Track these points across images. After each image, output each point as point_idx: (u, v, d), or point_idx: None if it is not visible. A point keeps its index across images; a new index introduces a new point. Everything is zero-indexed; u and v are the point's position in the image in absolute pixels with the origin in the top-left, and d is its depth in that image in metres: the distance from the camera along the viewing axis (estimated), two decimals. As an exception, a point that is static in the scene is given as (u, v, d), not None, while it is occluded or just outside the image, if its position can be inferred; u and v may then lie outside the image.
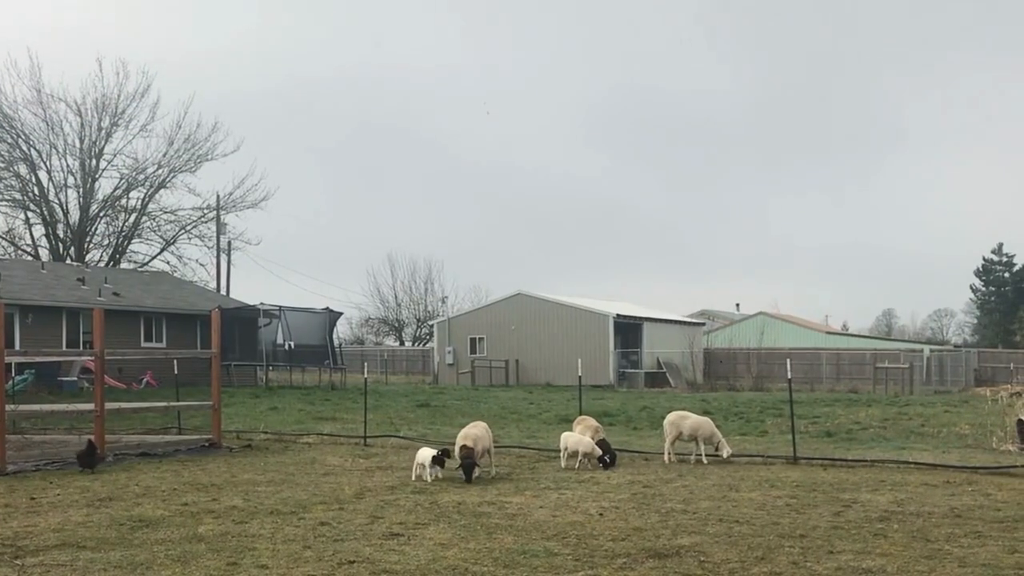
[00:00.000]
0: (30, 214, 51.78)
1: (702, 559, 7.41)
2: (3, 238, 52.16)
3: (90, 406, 15.49)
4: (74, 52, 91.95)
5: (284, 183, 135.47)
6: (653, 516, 9.29)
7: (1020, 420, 15.58)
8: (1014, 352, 56.23)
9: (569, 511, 9.59)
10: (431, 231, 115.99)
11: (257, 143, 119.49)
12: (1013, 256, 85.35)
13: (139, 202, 53.21)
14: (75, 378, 31.72)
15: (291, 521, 9.11)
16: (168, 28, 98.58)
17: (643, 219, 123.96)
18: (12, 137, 49.36)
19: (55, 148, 50.47)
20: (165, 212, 54.20)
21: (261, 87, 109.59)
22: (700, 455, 13.72)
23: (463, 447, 11.85)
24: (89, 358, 23.43)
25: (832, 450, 15.23)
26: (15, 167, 50.12)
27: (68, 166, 51.00)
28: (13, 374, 27.26)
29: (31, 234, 52.75)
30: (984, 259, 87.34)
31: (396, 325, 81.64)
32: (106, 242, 53.81)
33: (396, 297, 79.88)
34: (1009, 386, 31.26)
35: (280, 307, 39.26)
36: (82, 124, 50.61)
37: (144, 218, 53.66)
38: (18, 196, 50.89)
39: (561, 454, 13.36)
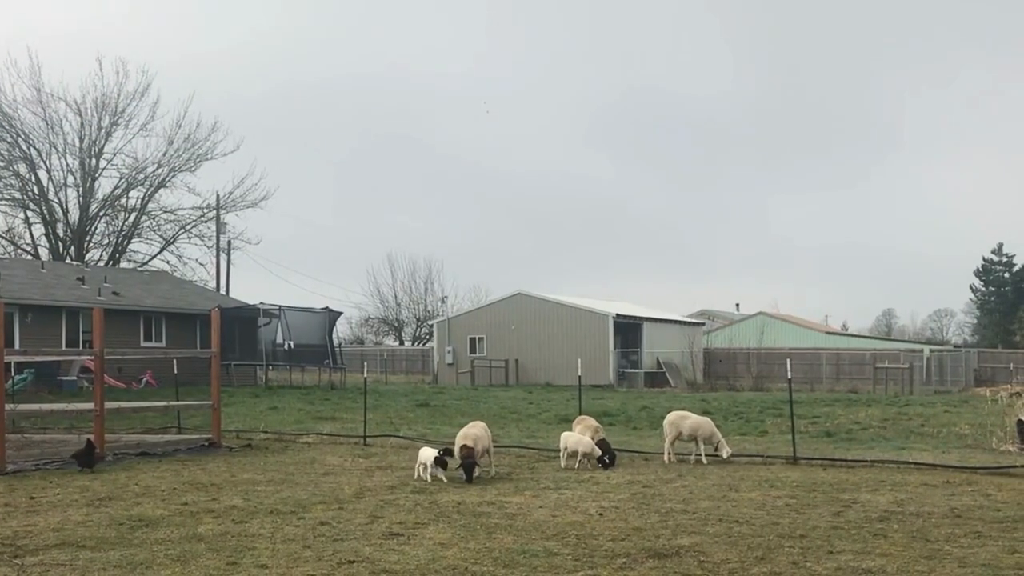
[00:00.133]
0: (30, 213, 51.84)
1: (702, 559, 7.40)
2: (3, 237, 52.23)
3: (90, 405, 15.49)
4: (74, 51, 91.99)
5: (284, 182, 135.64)
6: (653, 516, 9.29)
7: (1020, 420, 15.58)
8: (1014, 352, 56.23)
9: (569, 511, 9.58)
10: (431, 231, 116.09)
11: (257, 142, 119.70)
12: (1013, 256, 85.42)
13: (139, 201, 53.29)
14: (75, 377, 31.72)
15: (291, 521, 9.11)
16: (168, 29, 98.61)
17: (643, 219, 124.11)
18: (12, 136, 49.37)
19: (55, 147, 50.54)
20: (165, 211, 54.28)
21: (261, 87, 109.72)
22: (700, 455, 13.72)
23: (463, 447, 11.84)
24: (89, 357, 23.43)
25: (832, 450, 15.23)
26: (15, 166, 50.14)
27: (68, 165, 51.09)
28: (13, 373, 27.25)
29: (31, 233, 52.82)
30: (984, 259, 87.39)
31: (396, 325, 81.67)
32: (106, 241, 53.89)
33: (396, 297, 79.97)
34: (1009, 386, 31.27)
35: (280, 307, 39.25)
36: (82, 123, 50.67)
37: (144, 217, 53.70)
38: (18, 195, 50.90)
39: (561, 454, 13.36)
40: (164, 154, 52.64)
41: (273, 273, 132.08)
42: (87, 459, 12.96)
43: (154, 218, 54.11)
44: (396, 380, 49.81)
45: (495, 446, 13.51)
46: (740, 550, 7.72)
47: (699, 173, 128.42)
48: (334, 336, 42.13)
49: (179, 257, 54.42)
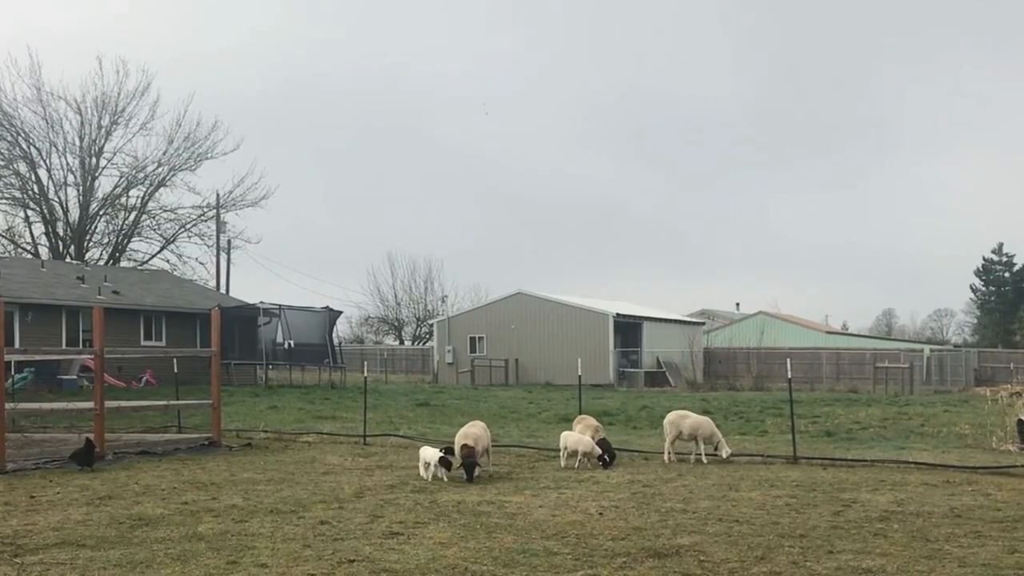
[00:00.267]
0: (30, 212, 51.85)
1: (702, 559, 7.40)
2: (3, 236, 52.24)
3: (90, 404, 15.49)
4: (74, 51, 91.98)
5: (284, 182, 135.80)
6: (653, 515, 9.29)
7: (1020, 420, 15.58)
8: (1014, 352, 56.24)
9: (569, 510, 9.58)
10: (431, 230, 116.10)
11: (257, 142, 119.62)
12: (1013, 256, 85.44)
13: (139, 200, 53.31)
14: (75, 376, 31.73)
15: (291, 520, 9.10)
16: (168, 28, 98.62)
17: (643, 219, 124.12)
18: (12, 135, 49.39)
19: (55, 146, 50.57)
20: (165, 210, 54.31)
21: (261, 86, 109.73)
22: (700, 455, 13.72)
23: (464, 446, 11.85)
24: (89, 356, 23.44)
25: (832, 450, 15.23)
26: (15, 165, 50.16)
27: (68, 164, 51.12)
28: (13, 372, 27.24)
29: (31, 232, 52.84)
30: (984, 259, 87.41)
31: (396, 324, 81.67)
32: (106, 240, 53.90)
33: (396, 296, 79.96)
34: (1009, 386, 31.24)
35: (280, 306, 39.25)
36: (82, 122, 50.70)
37: (144, 216, 53.73)
38: (18, 194, 50.92)
39: (561, 453, 13.36)
40: (164, 153, 52.76)
41: (273, 272, 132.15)
42: (86, 458, 12.96)
43: (154, 217, 54.20)
44: (396, 379, 49.81)
45: (494, 445, 13.51)
46: (740, 550, 7.72)
47: (699, 173, 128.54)
48: (334, 335, 42.14)
49: (179, 256, 54.52)
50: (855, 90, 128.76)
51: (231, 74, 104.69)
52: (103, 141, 51.45)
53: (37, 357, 27.03)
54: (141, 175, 52.74)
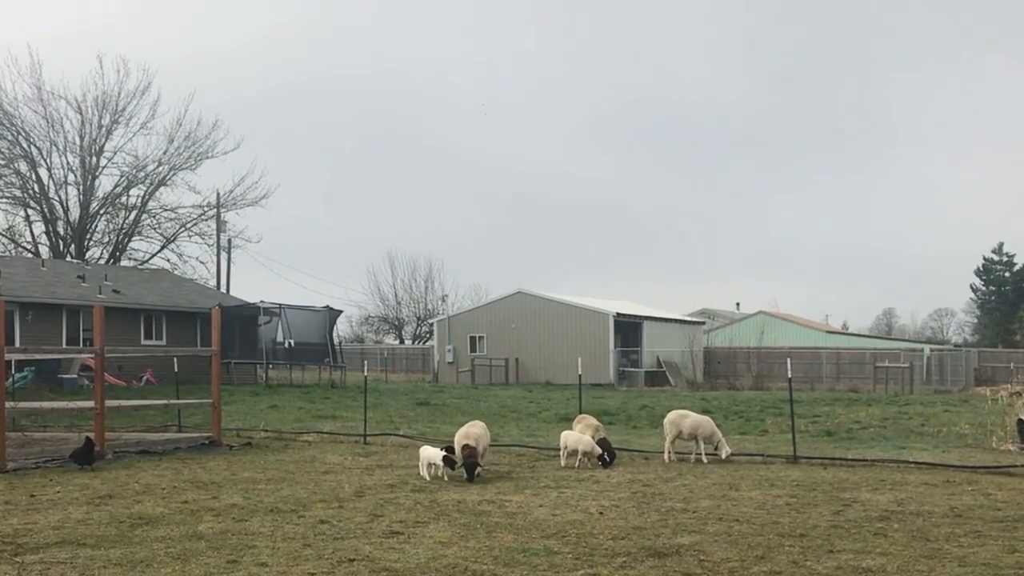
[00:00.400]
0: (30, 211, 51.83)
1: (702, 558, 7.40)
2: (3, 235, 52.21)
3: (90, 403, 15.49)
4: (74, 50, 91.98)
5: (284, 181, 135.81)
6: (653, 515, 9.29)
7: (1020, 420, 15.58)
8: (1014, 352, 56.21)
9: (569, 510, 9.58)
10: (431, 230, 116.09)
11: (257, 141, 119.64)
12: (1013, 256, 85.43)
13: (139, 200, 53.28)
14: (75, 375, 31.73)
15: (291, 519, 9.11)
16: (169, 28, 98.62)
17: (643, 218, 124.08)
18: (12, 134, 49.38)
19: (55, 145, 50.55)
20: (165, 210, 54.28)
21: (262, 86, 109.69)
22: (700, 454, 13.72)
23: (466, 446, 11.85)
24: (89, 355, 23.44)
25: (832, 449, 15.23)
26: (15, 164, 50.14)
27: (68, 163, 51.10)
28: (13, 371, 27.25)
29: (31, 231, 52.82)
30: (984, 258, 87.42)
31: (396, 323, 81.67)
32: (106, 239, 53.87)
33: (396, 295, 79.95)
34: (1009, 386, 31.21)
35: (280, 305, 39.26)
36: (82, 121, 50.67)
37: (144, 216, 53.69)
38: (18, 193, 50.90)
39: (561, 453, 13.36)
40: (165, 152, 52.74)
41: (273, 271, 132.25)
42: (86, 457, 12.97)
43: (154, 216, 54.17)
44: (396, 379, 49.81)
45: (494, 445, 13.53)
46: (740, 549, 7.72)
47: (699, 172, 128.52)
48: (334, 335, 42.16)
49: (179, 255, 54.48)
50: (855, 89, 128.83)
51: (232, 74, 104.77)
52: (104, 140, 51.50)
53: (37, 356, 27.05)
54: (141, 174, 52.79)
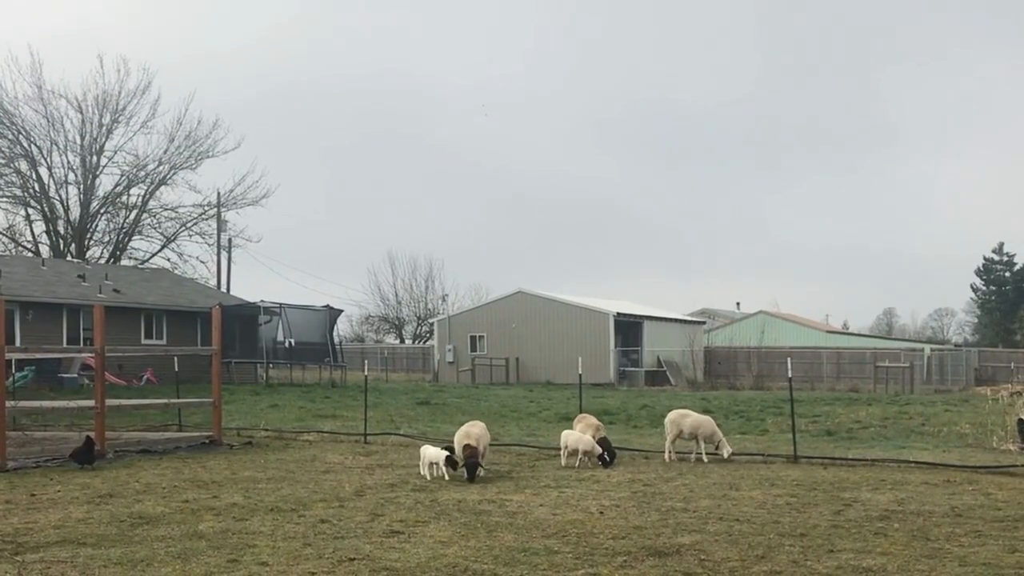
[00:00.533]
0: (31, 211, 51.83)
1: (702, 557, 7.40)
2: (4, 235, 52.21)
3: (91, 403, 15.50)
4: (75, 49, 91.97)
5: (285, 180, 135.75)
6: (653, 514, 9.29)
7: (1020, 419, 15.57)
8: (1014, 351, 56.21)
9: (569, 509, 9.58)
10: (431, 229, 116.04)
11: (258, 140, 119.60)
12: (1014, 255, 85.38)
13: (140, 199, 53.27)
14: (75, 375, 31.74)
15: (291, 518, 9.11)
16: (169, 28, 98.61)
17: (643, 218, 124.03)
18: (13, 133, 49.39)
19: (56, 144, 50.53)
20: (166, 209, 54.28)
21: (262, 86, 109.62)
22: (700, 454, 13.72)
23: (467, 446, 11.85)
24: (89, 355, 23.44)
25: (832, 449, 15.23)
26: (16, 163, 50.13)
27: (69, 162, 51.09)
28: (14, 370, 27.26)
29: (32, 231, 52.81)
30: (985, 258, 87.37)
31: (396, 323, 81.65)
32: (107, 239, 53.87)
33: (396, 295, 79.91)
34: (1009, 385, 31.22)
35: (280, 304, 39.27)
36: (83, 121, 50.67)
37: (145, 215, 53.68)
38: (19, 192, 50.90)
39: (561, 452, 13.36)
40: (165, 151, 52.73)
41: (274, 271, 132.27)
42: (86, 456, 12.97)
43: (155, 216, 54.17)
44: (396, 378, 49.82)
45: (495, 444, 13.53)
46: (741, 548, 7.72)
47: (700, 172, 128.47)
48: (335, 334, 42.17)
49: (180, 255, 54.48)
50: (855, 89, 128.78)
51: (233, 74, 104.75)
52: (104, 139, 51.49)
53: (38, 355, 27.03)
54: (142, 173, 52.78)
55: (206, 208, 54.52)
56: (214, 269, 55.41)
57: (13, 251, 50.49)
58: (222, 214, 54.63)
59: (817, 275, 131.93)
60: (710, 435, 13.77)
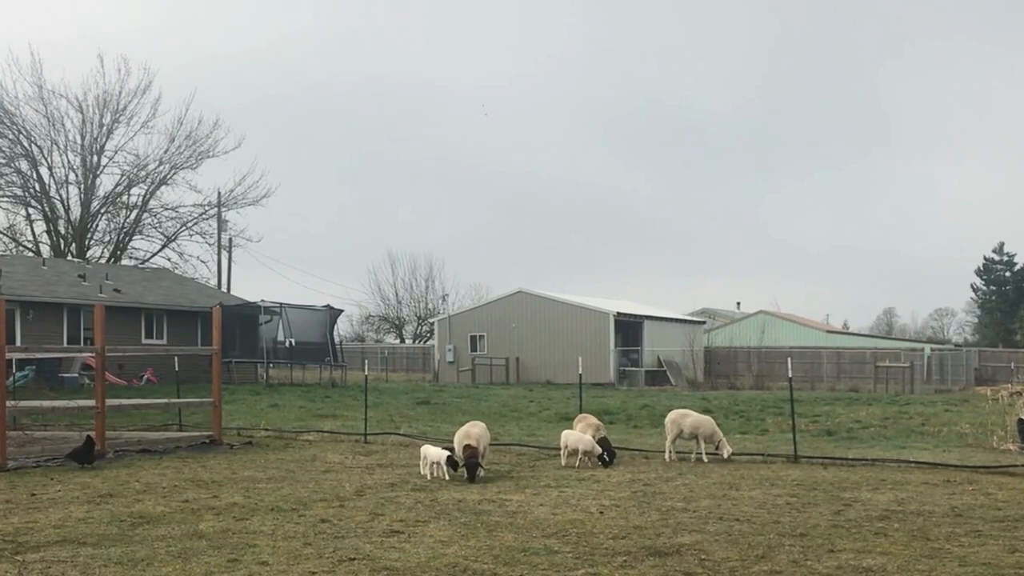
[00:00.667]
0: (31, 210, 51.83)
1: (702, 557, 7.40)
2: (4, 234, 52.20)
3: (91, 402, 15.49)
4: (75, 49, 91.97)
5: (285, 180, 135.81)
6: (653, 514, 9.29)
7: (1020, 419, 15.57)
8: (1015, 351, 56.22)
9: (569, 509, 9.58)
10: (431, 229, 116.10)
11: (258, 140, 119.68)
12: (1014, 255, 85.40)
13: (140, 199, 53.26)
14: (76, 374, 31.74)
15: (291, 518, 9.11)
16: (169, 28, 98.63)
17: (644, 218, 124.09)
18: (13, 133, 49.38)
19: (56, 144, 50.53)
20: (166, 209, 54.30)
21: (263, 86, 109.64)
22: (701, 453, 13.72)
23: (467, 446, 11.85)
24: (90, 354, 23.44)
25: (833, 449, 15.23)
26: (16, 163, 50.12)
27: (69, 162, 51.09)
28: (14, 370, 27.27)
29: (32, 230, 52.81)
30: (985, 258, 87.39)
31: (396, 323, 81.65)
32: (107, 239, 53.86)
33: (397, 295, 79.93)
34: (1010, 385, 31.19)
35: (281, 304, 39.27)
36: (83, 120, 50.66)
37: (145, 215, 53.69)
38: (19, 192, 50.89)
39: (561, 452, 13.36)
40: (166, 151, 52.73)
41: (274, 271, 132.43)
42: (86, 455, 12.97)
43: (155, 215, 54.18)
44: (397, 378, 49.83)
45: (495, 444, 13.53)
46: (741, 548, 7.72)
47: (700, 172, 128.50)
48: (335, 334, 42.17)
49: (180, 254, 54.51)
50: (856, 89, 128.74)
51: (233, 74, 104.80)
52: (104, 139, 51.49)
53: (38, 355, 27.06)
54: (142, 173, 52.78)
55: (206, 208, 54.61)
56: (214, 269, 55.52)
57: (14, 251, 50.49)
58: (222, 214, 54.70)
59: (817, 275, 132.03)
60: (710, 435, 13.77)
